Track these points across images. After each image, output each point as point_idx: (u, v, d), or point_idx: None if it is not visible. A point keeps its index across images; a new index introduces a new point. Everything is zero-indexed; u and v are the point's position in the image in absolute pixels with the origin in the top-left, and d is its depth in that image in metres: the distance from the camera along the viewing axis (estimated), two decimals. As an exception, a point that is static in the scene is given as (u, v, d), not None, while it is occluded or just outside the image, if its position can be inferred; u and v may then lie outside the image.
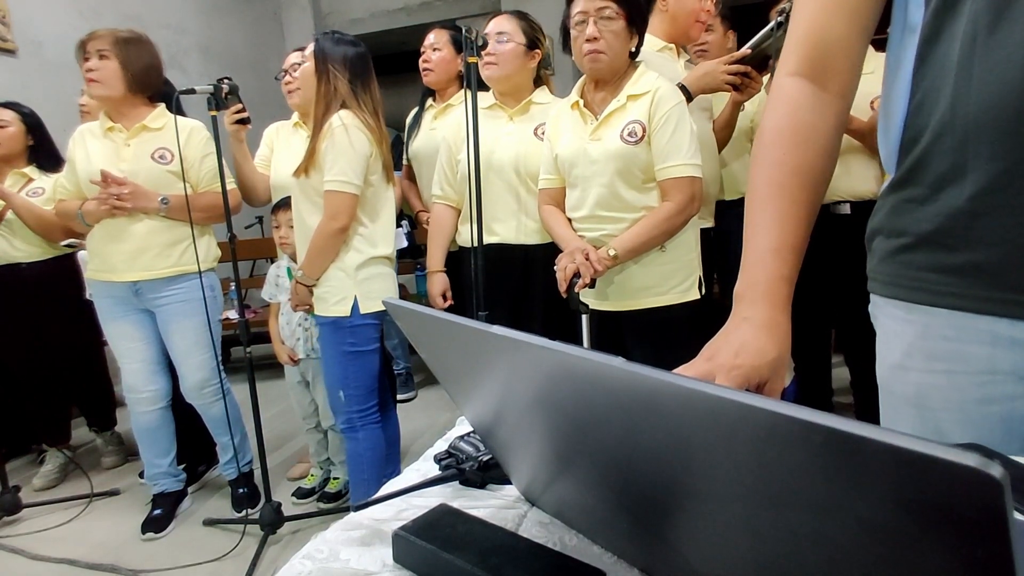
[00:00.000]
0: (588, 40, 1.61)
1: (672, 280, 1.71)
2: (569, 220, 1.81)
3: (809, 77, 0.70)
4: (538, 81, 2.12)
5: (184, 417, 2.36)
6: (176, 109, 1.96)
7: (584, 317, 1.71)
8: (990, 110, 0.58)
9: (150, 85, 2.14)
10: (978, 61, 0.58)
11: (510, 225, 2.04)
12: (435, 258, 2.20)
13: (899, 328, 0.71)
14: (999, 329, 0.62)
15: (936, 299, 0.66)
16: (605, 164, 1.67)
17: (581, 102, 1.73)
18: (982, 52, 0.58)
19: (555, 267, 1.69)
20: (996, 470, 0.21)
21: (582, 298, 1.70)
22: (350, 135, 1.82)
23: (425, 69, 2.56)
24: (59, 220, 2.48)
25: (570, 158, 1.73)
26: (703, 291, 1.76)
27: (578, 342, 1.92)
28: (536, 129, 2.03)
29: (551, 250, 2.04)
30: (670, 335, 1.69)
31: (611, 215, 1.70)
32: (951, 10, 0.61)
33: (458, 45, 2.46)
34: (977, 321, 0.63)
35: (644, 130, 1.64)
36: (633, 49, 1.68)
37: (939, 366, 0.67)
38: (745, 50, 1.80)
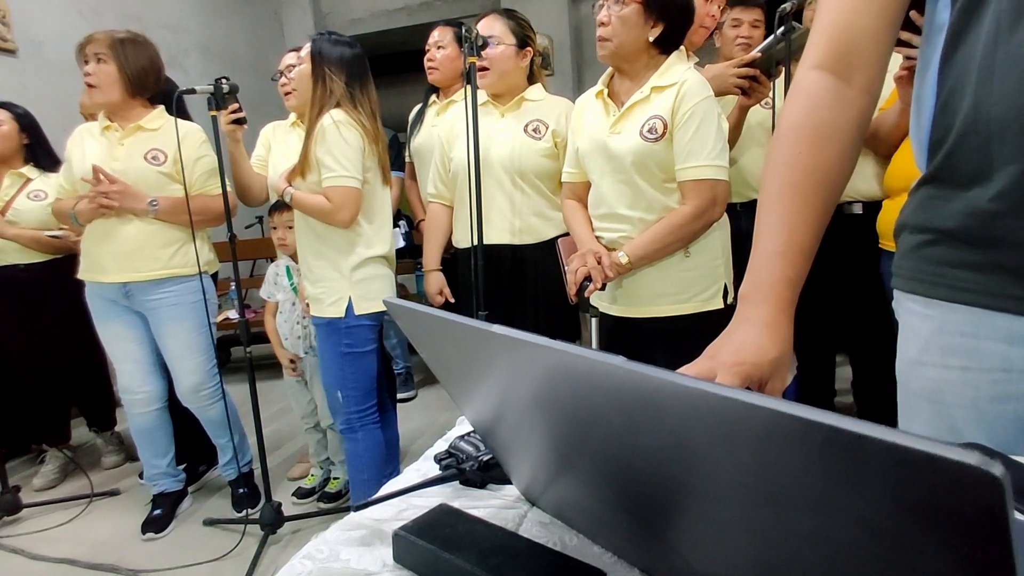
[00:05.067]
0: (598, 24, 1.56)
1: (694, 287, 1.62)
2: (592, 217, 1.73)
3: (833, 71, 0.68)
4: (532, 78, 2.11)
5: (184, 417, 2.35)
6: (177, 109, 1.96)
7: (594, 320, 1.67)
8: (1011, 110, 0.57)
9: (148, 86, 2.13)
10: (999, 61, 0.58)
11: (500, 226, 2.03)
12: (431, 257, 2.20)
13: (917, 323, 0.70)
14: (1016, 327, 0.62)
15: (954, 295, 0.65)
16: (623, 160, 1.58)
17: (605, 91, 1.65)
18: (1003, 52, 0.57)
19: (566, 268, 1.66)
20: (997, 469, 0.21)
21: (594, 301, 1.67)
22: (341, 131, 1.82)
23: (430, 68, 2.56)
24: (48, 240, 2.55)
25: (589, 152, 1.66)
26: (729, 300, 1.63)
27: (576, 344, 1.90)
28: (526, 126, 2.02)
29: (542, 251, 2.03)
30: (689, 346, 1.57)
31: (631, 214, 1.61)
32: (976, 9, 0.60)
33: (462, 42, 2.46)
34: (995, 318, 0.63)
35: (665, 127, 1.54)
36: (652, 38, 1.55)
37: (954, 362, 0.66)
38: (755, 54, 1.80)
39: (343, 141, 1.83)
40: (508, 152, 2.00)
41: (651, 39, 1.56)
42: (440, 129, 2.27)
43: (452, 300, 2.19)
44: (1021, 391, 0.63)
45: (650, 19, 1.54)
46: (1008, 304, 0.62)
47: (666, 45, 1.59)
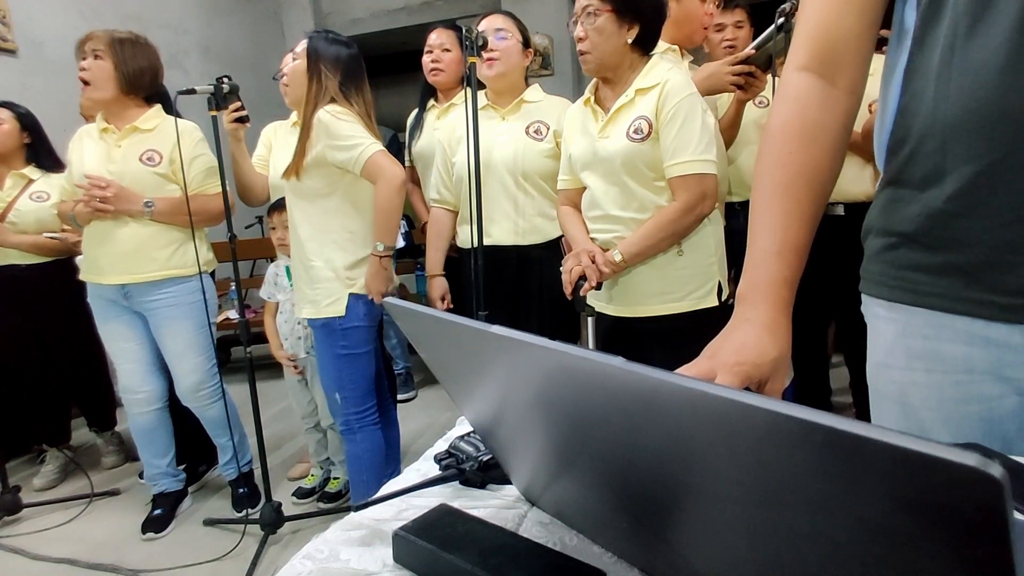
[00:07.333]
0: (576, 40, 1.59)
1: (689, 285, 1.63)
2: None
3: (818, 72, 0.69)
4: (527, 82, 2.13)
5: (184, 417, 2.35)
6: (174, 110, 1.96)
7: (590, 320, 1.68)
8: (966, 114, 0.59)
9: (144, 87, 2.12)
10: (956, 65, 0.59)
11: (504, 227, 2.04)
12: (434, 262, 2.20)
13: (883, 326, 0.72)
14: (975, 329, 0.63)
15: (916, 298, 0.67)
16: (612, 162, 1.60)
17: (592, 99, 1.69)
18: (960, 57, 0.59)
19: (561, 268, 1.66)
20: (996, 470, 0.21)
21: (590, 301, 1.67)
22: (339, 117, 1.83)
23: (435, 69, 2.53)
24: (48, 243, 2.56)
25: (581, 157, 1.68)
26: (723, 297, 1.64)
27: (578, 343, 1.91)
28: (528, 128, 2.03)
29: (546, 250, 2.04)
30: (685, 344, 1.55)
31: (624, 215, 1.63)
32: (935, 15, 0.61)
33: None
34: (954, 321, 0.64)
35: (650, 126, 1.56)
36: (630, 40, 1.57)
37: (919, 364, 0.68)
38: (749, 50, 1.80)
39: (344, 123, 1.82)
40: (511, 154, 2.01)
41: (629, 41, 1.58)
42: (441, 133, 2.27)
43: (452, 307, 2.19)
44: (983, 392, 0.64)
45: (624, 23, 1.56)
46: (965, 307, 0.63)
47: (644, 44, 1.61)
